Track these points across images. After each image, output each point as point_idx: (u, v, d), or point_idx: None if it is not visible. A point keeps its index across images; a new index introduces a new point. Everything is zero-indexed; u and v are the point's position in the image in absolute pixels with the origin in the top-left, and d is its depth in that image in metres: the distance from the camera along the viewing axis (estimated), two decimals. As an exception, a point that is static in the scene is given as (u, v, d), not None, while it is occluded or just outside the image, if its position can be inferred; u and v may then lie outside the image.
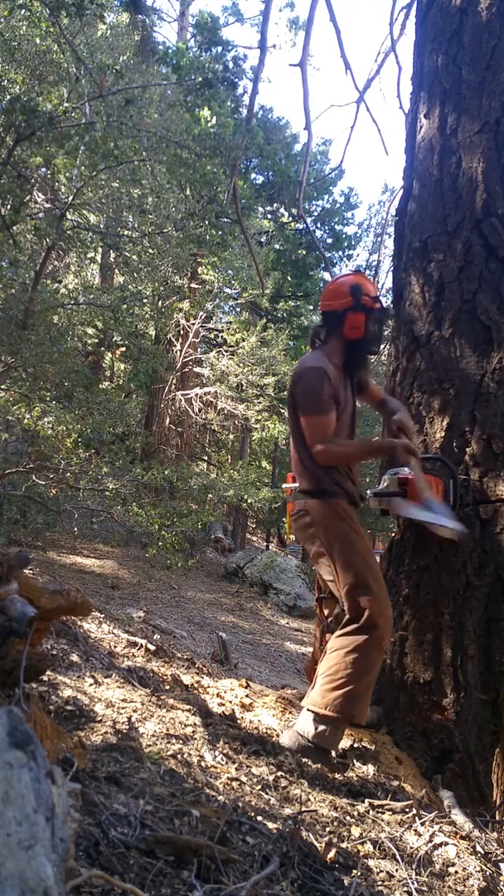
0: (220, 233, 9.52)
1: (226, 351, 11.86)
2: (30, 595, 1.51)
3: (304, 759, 2.15)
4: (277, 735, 2.43)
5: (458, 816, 1.98)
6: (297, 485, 2.48)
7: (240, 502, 10.14)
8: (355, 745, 2.49)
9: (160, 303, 10.97)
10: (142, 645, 3.21)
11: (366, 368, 2.60)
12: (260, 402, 11.83)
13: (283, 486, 2.63)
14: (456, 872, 1.61)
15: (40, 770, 0.77)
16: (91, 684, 2.19)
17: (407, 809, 1.94)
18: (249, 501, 9.88)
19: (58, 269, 10.37)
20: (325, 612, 2.59)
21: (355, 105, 4.85)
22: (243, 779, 1.81)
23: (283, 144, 14.28)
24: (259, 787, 1.81)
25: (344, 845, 1.57)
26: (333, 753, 2.27)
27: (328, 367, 2.37)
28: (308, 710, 2.25)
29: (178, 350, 12.12)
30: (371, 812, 1.95)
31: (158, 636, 4.69)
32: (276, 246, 13.96)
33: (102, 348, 13.22)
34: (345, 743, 2.52)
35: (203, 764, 1.79)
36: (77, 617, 2.94)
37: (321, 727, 2.21)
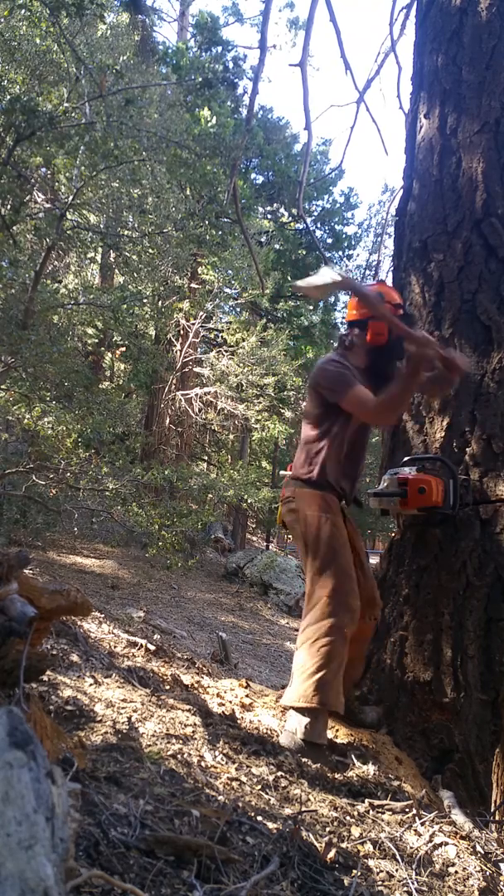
0: (220, 233, 9.52)
1: (226, 351, 11.86)
2: (30, 595, 1.51)
3: (304, 759, 2.16)
4: (277, 735, 2.43)
5: (458, 816, 1.98)
6: (290, 472, 2.54)
7: (240, 502, 10.14)
8: (355, 745, 2.49)
9: (160, 303, 10.96)
10: (142, 645, 3.21)
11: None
12: (260, 402, 11.82)
13: (281, 472, 2.69)
14: (456, 872, 1.61)
15: (40, 770, 0.77)
16: (91, 684, 2.19)
17: (407, 809, 1.94)
18: (249, 501, 9.88)
19: (58, 269, 10.37)
20: None
21: (355, 105, 4.85)
22: (243, 779, 1.81)
23: (283, 144, 14.28)
24: (259, 787, 1.81)
25: (344, 845, 1.57)
26: (325, 745, 2.29)
27: (347, 363, 2.41)
28: (288, 708, 2.31)
29: (178, 350, 12.12)
30: (371, 812, 1.95)
31: (158, 636, 4.69)
32: (276, 246, 13.95)
33: (102, 348, 13.22)
34: (345, 743, 2.52)
35: (203, 764, 1.79)
36: (77, 617, 2.94)
37: (305, 721, 2.25)
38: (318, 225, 15.58)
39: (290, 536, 2.70)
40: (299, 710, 2.25)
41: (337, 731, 2.59)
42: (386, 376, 2.40)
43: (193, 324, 11.62)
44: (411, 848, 1.69)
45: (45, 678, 2.01)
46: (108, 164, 6.39)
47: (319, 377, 2.42)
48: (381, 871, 1.50)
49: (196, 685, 2.79)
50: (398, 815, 1.91)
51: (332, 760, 2.26)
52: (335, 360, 2.41)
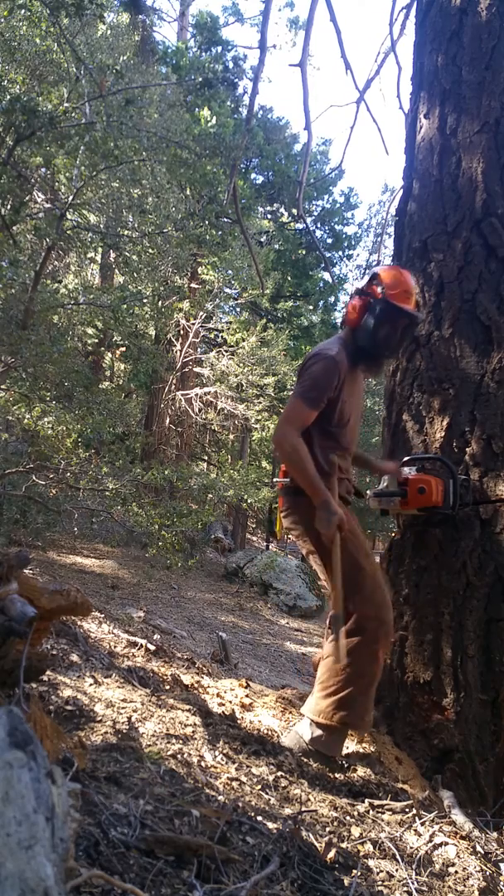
0: (220, 233, 9.52)
1: (226, 351, 11.86)
2: (30, 595, 1.51)
3: (306, 760, 2.15)
4: (277, 735, 2.43)
5: (458, 816, 1.98)
6: (285, 480, 2.38)
7: (240, 502, 10.14)
8: (356, 745, 2.49)
9: (160, 303, 10.96)
10: (142, 645, 3.21)
11: (371, 371, 2.46)
12: (260, 402, 11.82)
13: (275, 479, 2.55)
14: (456, 872, 1.61)
15: (40, 770, 0.77)
16: (91, 684, 2.19)
17: (407, 809, 1.94)
18: (249, 501, 9.87)
19: (58, 269, 10.37)
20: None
21: (355, 105, 4.85)
22: (243, 779, 1.81)
23: (283, 144, 14.27)
24: (259, 787, 1.81)
25: (344, 845, 1.57)
26: (336, 758, 2.25)
27: (341, 360, 2.27)
28: (306, 716, 2.26)
29: (178, 350, 12.11)
30: (371, 812, 1.95)
31: (158, 636, 4.69)
32: (276, 246, 13.95)
33: (102, 348, 13.22)
34: (346, 743, 2.52)
35: (203, 764, 1.79)
36: (77, 617, 2.94)
37: (318, 732, 2.21)
38: (318, 225, 15.57)
39: (290, 538, 2.63)
40: (318, 723, 2.21)
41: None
42: (366, 364, 2.37)
43: (193, 324, 11.62)
44: (411, 848, 1.69)
45: (45, 678, 2.01)
46: (108, 164, 6.39)
47: (311, 366, 2.27)
48: (381, 871, 1.50)
49: (196, 685, 2.79)
50: (398, 815, 1.91)
51: (336, 763, 2.23)
52: (333, 360, 2.25)
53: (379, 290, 2.30)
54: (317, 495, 2.16)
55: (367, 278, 2.36)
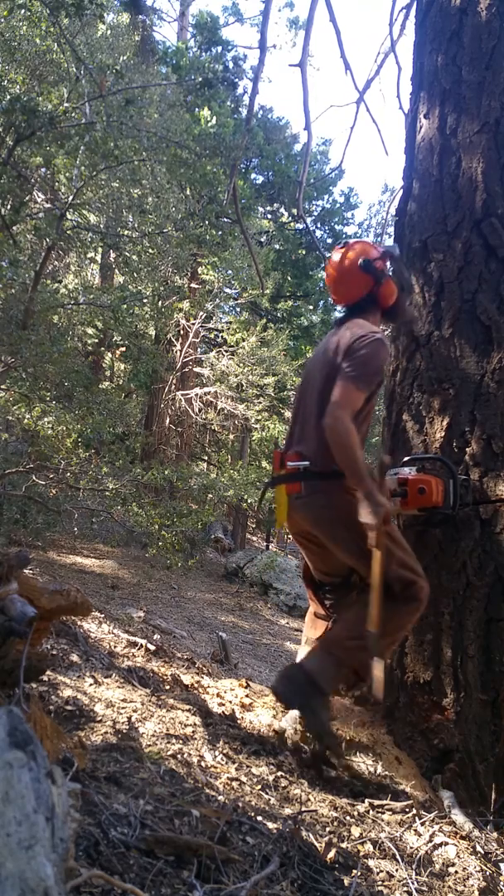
0: (220, 233, 9.52)
1: (226, 351, 11.86)
2: (30, 595, 1.51)
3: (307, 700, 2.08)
4: (278, 736, 2.43)
5: (458, 816, 1.98)
6: (304, 463, 2.25)
7: (240, 502, 10.14)
8: (356, 745, 2.49)
9: (160, 303, 10.96)
10: (142, 645, 3.21)
11: None
12: (260, 402, 11.82)
13: (289, 464, 2.29)
14: (456, 872, 1.61)
15: (40, 770, 0.77)
16: (91, 684, 2.19)
17: (407, 809, 1.95)
18: (249, 501, 9.87)
19: (58, 269, 10.37)
20: (328, 602, 2.54)
21: (355, 105, 4.85)
22: (243, 779, 1.81)
23: (283, 144, 14.27)
24: (259, 787, 1.81)
25: (344, 845, 1.57)
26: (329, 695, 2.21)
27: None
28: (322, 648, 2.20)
29: (178, 350, 12.12)
30: (371, 812, 1.95)
31: (158, 636, 4.69)
32: (276, 246, 13.96)
33: (102, 348, 13.22)
34: (345, 743, 2.52)
35: (203, 764, 1.79)
36: (77, 617, 2.94)
37: (323, 662, 2.16)
38: (318, 225, 15.58)
39: (290, 536, 2.57)
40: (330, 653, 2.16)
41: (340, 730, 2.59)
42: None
43: (193, 324, 11.62)
44: (411, 848, 1.69)
45: (45, 678, 2.01)
46: (108, 164, 6.39)
47: (364, 349, 2.14)
48: (381, 871, 1.50)
49: (196, 685, 2.79)
50: (398, 815, 1.91)
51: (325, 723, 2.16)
52: (386, 345, 2.18)
53: (385, 264, 2.32)
54: (363, 485, 2.07)
55: (374, 257, 2.32)
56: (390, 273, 2.37)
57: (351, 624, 2.17)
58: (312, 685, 2.11)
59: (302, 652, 2.58)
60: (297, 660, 2.55)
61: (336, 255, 2.41)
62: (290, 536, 2.47)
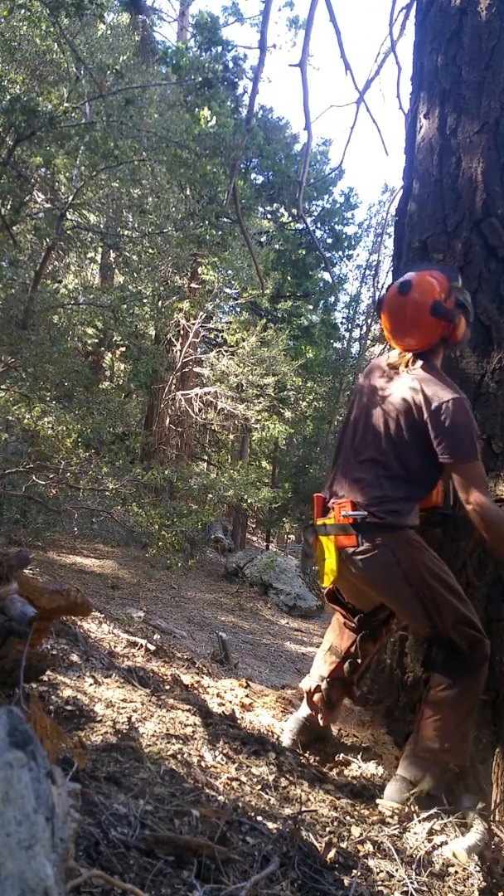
0: (220, 233, 9.53)
1: (226, 351, 11.86)
2: (30, 595, 1.51)
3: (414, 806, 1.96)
4: (277, 735, 2.43)
5: (458, 816, 1.97)
6: (362, 513, 2.05)
7: (240, 502, 10.14)
8: (356, 746, 2.49)
9: (160, 303, 10.96)
10: (142, 645, 3.21)
11: None
12: (260, 402, 11.82)
13: (343, 514, 2.07)
14: (456, 872, 1.61)
15: (40, 770, 0.77)
16: (91, 684, 2.19)
17: (407, 809, 1.94)
18: (249, 501, 9.88)
19: (58, 269, 10.37)
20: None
21: (355, 105, 4.84)
22: (243, 779, 1.81)
23: (283, 144, 14.27)
24: (259, 787, 1.81)
25: (344, 845, 1.57)
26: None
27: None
28: (418, 756, 2.03)
29: (178, 350, 12.12)
30: (371, 812, 1.95)
31: (158, 636, 4.69)
32: (276, 246, 13.95)
33: (102, 348, 13.22)
34: (347, 744, 2.52)
35: (203, 764, 1.79)
36: (77, 617, 2.94)
37: (432, 772, 2.01)
38: (318, 225, 15.58)
39: (291, 536, 2.49)
40: (441, 764, 2.03)
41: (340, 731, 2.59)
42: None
43: (193, 324, 11.62)
44: (411, 848, 1.69)
45: (45, 678, 2.01)
46: (108, 164, 6.39)
47: (453, 418, 1.96)
48: (381, 871, 1.50)
49: (196, 685, 2.79)
50: (398, 815, 1.91)
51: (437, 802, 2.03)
52: (464, 399, 2.01)
53: (454, 298, 2.15)
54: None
55: (442, 297, 2.10)
56: (459, 307, 2.16)
57: (441, 733, 2.02)
58: (430, 798, 1.98)
59: (319, 659, 2.44)
60: (316, 670, 2.42)
61: (396, 301, 2.17)
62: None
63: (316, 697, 2.37)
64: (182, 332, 11.96)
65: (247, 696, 2.82)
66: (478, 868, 1.62)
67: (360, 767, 2.34)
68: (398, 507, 2.06)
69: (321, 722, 2.39)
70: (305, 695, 2.43)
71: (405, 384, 2.12)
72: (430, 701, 2.05)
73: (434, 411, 2.00)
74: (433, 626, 2.06)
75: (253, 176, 14.39)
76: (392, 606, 2.19)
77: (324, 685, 2.36)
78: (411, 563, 2.03)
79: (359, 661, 2.35)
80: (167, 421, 12.38)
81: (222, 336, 12.83)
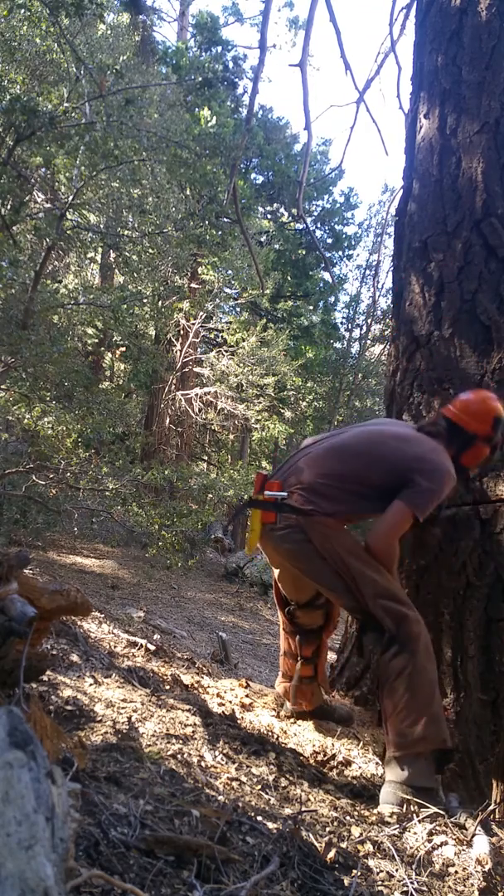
0: (220, 233, 9.52)
1: (226, 351, 11.86)
2: (30, 595, 1.51)
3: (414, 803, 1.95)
4: (277, 735, 2.43)
5: (458, 817, 1.97)
6: (282, 494, 2.23)
7: (240, 502, 10.13)
8: (356, 746, 2.49)
9: (160, 303, 10.96)
10: (142, 645, 3.21)
11: None
12: (260, 402, 11.82)
13: (266, 493, 2.26)
14: (456, 872, 1.61)
15: (40, 770, 0.77)
16: (91, 684, 2.19)
17: (407, 809, 1.94)
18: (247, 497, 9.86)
19: (58, 269, 10.37)
20: (303, 620, 2.55)
21: (355, 105, 4.84)
22: (243, 779, 1.81)
23: (283, 144, 14.27)
24: (259, 787, 1.81)
25: (344, 845, 1.57)
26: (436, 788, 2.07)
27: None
28: (394, 757, 2.04)
29: (178, 350, 12.11)
30: (371, 812, 1.95)
31: (158, 636, 4.69)
32: (276, 246, 13.95)
33: (102, 348, 13.22)
34: (346, 743, 2.52)
35: (203, 764, 1.79)
36: (77, 617, 2.94)
37: (414, 766, 2.02)
38: (318, 225, 15.57)
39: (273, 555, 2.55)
40: (412, 755, 2.02)
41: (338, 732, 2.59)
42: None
43: (193, 324, 11.62)
44: (411, 848, 1.69)
45: (45, 678, 2.01)
46: (108, 164, 6.39)
47: (432, 474, 2.13)
48: (381, 871, 1.50)
49: (196, 685, 2.79)
50: (398, 815, 1.91)
51: (439, 796, 2.04)
52: (453, 478, 2.17)
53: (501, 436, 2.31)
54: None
55: (492, 426, 2.27)
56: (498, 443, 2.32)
57: (407, 723, 2.04)
58: (426, 792, 1.99)
59: (281, 664, 2.69)
60: (282, 673, 2.67)
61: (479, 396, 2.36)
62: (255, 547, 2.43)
63: (288, 696, 2.61)
64: (182, 332, 11.96)
65: (247, 696, 2.81)
66: (478, 868, 1.62)
67: (360, 767, 2.34)
68: (329, 504, 2.19)
69: (307, 709, 2.58)
70: (283, 696, 2.67)
71: (415, 439, 2.28)
72: (385, 696, 2.12)
73: (433, 468, 2.16)
74: (356, 602, 2.16)
75: (253, 176, 14.38)
76: (314, 582, 2.31)
77: (293, 683, 2.57)
78: (324, 540, 2.17)
79: (314, 660, 2.55)
80: (167, 421, 12.38)
81: (222, 336, 12.83)
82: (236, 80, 12.68)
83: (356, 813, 1.90)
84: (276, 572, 2.55)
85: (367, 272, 18.05)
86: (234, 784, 1.74)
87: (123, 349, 12.50)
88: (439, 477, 2.15)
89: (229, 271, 11.47)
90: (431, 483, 2.14)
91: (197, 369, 12.42)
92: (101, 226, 8.32)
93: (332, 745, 2.45)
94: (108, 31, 8.24)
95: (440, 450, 2.23)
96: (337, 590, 2.22)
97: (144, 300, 9.57)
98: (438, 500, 2.17)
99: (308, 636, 2.55)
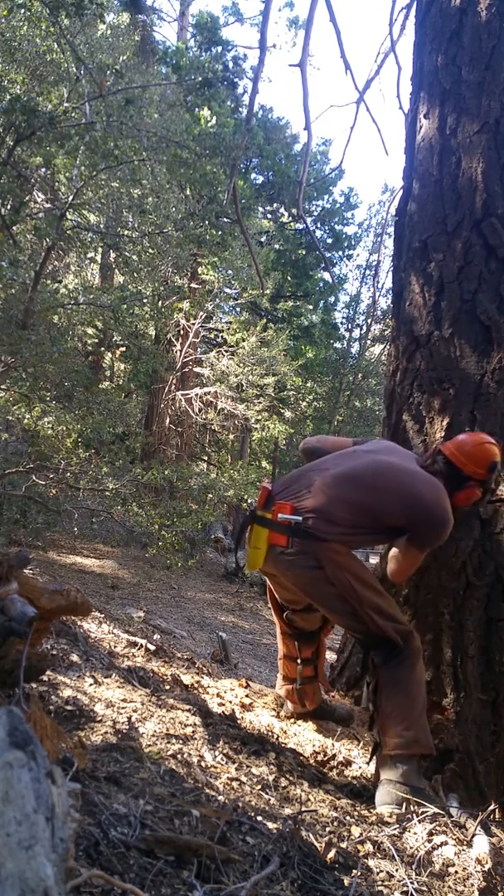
0: (220, 233, 9.52)
1: (226, 351, 11.85)
2: (30, 595, 1.51)
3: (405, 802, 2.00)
4: (277, 735, 2.43)
5: (458, 816, 1.97)
6: (298, 518, 2.19)
7: (240, 502, 10.13)
8: (356, 746, 2.50)
9: (160, 303, 10.96)
10: (142, 645, 3.21)
11: None
12: (260, 402, 11.81)
13: (280, 516, 2.20)
14: (456, 872, 1.61)
15: (40, 770, 0.77)
16: (91, 684, 2.19)
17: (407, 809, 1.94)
18: (249, 501, 9.87)
19: (58, 269, 10.37)
20: (302, 624, 2.58)
21: (355, 105, 4.84)
22: (243, 779, 1.81)
23: (283, 144, 14.26)
24: (259, 787, 1.81)
25: (344, 845, 1.57)
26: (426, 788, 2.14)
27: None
28: (391, 756, 2.10)
29: (178, 350, 12.11)
30: (371, 812, 1.95)
31: (158, 636, 4.69)
32: (276, 246, 13.94)
33: (102, 348, 13.21)
34: (346, 743, 2.52)
35: (203, 764, 1.79)
36: (77, 617, 2.94)
37: (409, 766, 2.09)
38: (318, 225, 15.56)
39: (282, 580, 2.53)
40: (407, 756, 2.10)
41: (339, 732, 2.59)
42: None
43: (193, 324, 11.62)
44: (411, 848, 1.69)
45: (45, 678, 2.01)
46: (108, 164, 6.39)
47: (436, 515, 2.17)
48: (381, 871, 1.50)
49: (196, 685, 2.79)
50: (398, 815, 1.91)
51: (436, 800, 2.09)
52: (451, 518, 2.21)
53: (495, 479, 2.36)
54: None
55: (487, 470, 2.29)
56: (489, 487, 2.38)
57: (405, 726, 2.13)
58: (417, 791, 2.04)
59: (281, 667, 2.70)
60: (282, 676, 2.68)
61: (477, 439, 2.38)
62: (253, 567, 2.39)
63: (291, 697, 2.63)
64: (182, 332, 11.96)
65: (247, 696, 2.81)
66: (478, 868, 1.62)
67: (360, 767, 2.34)
68: (333, 529, 2.18)
69: (309, 708, 2.60)
70: (285, 698, 2.68)
71: (419, 473, 2.28)
72: (385, 700, 2.18)
73: (436, 507, 2.19)
74: (364, 625, 2.20)
75: (253, 176, 14.38)
76: (318, 606, 2.33)
77: (296, 686, 2.59)
78: (336, 568, 2.17)
79: (314, 661, 2.58)
80: (167, 421, 12.37)
81: (222, 336, 12.83)
82: (236, 80, 12.67)
83: (356, 813, 1.90)
84: (271, 583, 2.55)
85: (367, 272, 18.05)
86: (234, 784, 1.74)
87: (123, 349, 12.49)
88: (441, 526, 2.19)
89: (229, 271, 11.47)
90: (436, 530, 2.20)
91: (197, 369, 12.42)
92: (101, 226, 8.31)
93: (332, 745, 2.45)
94: (108, 31, 8.23)
95: (443, 494, 2.23)
96: (342, 613, 2.24)
97: (144, 300, 9.57)
98: (441, 541, 2.24)
99: (307, 638, 2.58)
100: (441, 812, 1.91)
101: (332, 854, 1.41)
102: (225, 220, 9.53)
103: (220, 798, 1.55)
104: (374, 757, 2.24)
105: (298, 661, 2.58)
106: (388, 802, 2.00)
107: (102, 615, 3.87)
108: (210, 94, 10.02)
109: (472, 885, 1.57)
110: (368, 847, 1.61)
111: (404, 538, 2.24)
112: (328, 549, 2.17)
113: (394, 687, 2.16)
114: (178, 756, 1.75)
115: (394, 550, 2.32)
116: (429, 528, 2.19)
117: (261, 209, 13.91)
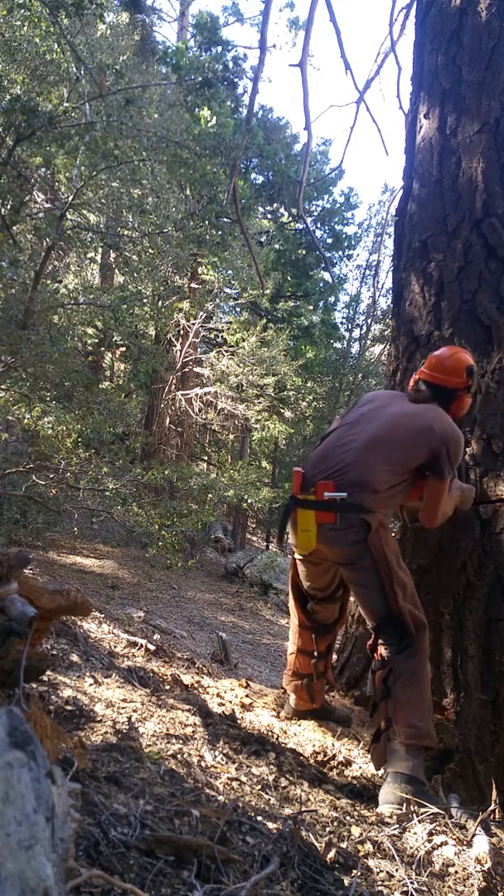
0: (220, 233, 9.51)
1: (226, 351, 11.85)
2: (30, 595, 1.51)
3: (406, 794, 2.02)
4: (277, 735, 2.43)
5: (458, 817, 1.97)
6: (343, 494, 2.24)
7: (240, 502, 10.13)
8: (356, 746, 2.50)
9: (160, 303, 10.96)
10: (142, 645, 3.21)
11: None
12: (260, 402, 11.81)
13: (326, 494, 2.25)
14: (456, 872, 1.61)
15: (40, 770, 0.77)
16: (91, 684, 2.19)
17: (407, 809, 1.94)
18: (249, 501, 9.87)
19: (58, 269, 10.36)
20: (323, 615, 2.58)
21: (355, 105, 4.85)
22: (243, 779, 1.81)
23: (283, 144, 14.26)
24: (259, 787, 1.81)
25: (344, 845, 1.57)
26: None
27: None
28: (406, 746, 2.12)
29: (178, 350, 12.11)
30: (371, 812, 1.95)
31: (158, 636, 4.69)
32: (276, 246, 13.94)
33: (102, 348, 13.21)
34: (346, 743, 2.52)
35: (203, 764, 1.79)
36: (77, 617, 2.94)
37: (417, 758, 2.12)
38: (318, 225, 15.57)
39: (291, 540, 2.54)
40: (418, 747, 2.13)
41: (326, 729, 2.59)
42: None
43: (193, 324, 11.61)
44: (411, 848, 1.69)
45: (45, 678, 2.01)
46: (108, 164, 6.39)
47: (450, 444, 2.27)
48: (381, 871, 1.50)
49: (196, 685, 2.79)
50: (398, 815, 1.91)
51: (436, 798, 2.12)
52: (459, 433, 2.32)
53: (477, 382, 2.44)
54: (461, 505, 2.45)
55: (467, 376, 2.40)
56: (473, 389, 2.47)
57: (418, 716, 2.17)
58: (415, 783, 2.07)
59: (291, 662, 2.67)
60: (291, 671, 2.66)
61: (446, 352, 2.48)
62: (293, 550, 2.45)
63: (301, 693, 2.62)
64: (182, 332, 11.96)
65: (247, 696, 2.82)
66: (478, 868, 1.62)
67: (360, 767, 2.34)
68: (381, 502, 2.28)
69: (316, 705, 2.62)
70: (292, 693, 2.68)
71: (425, 413, 2.38)
72: (401, 689, 2.19)
73: (449, 439, 2.30)
74: (384, 601, 2.24)
75: (253, 176, 14.38)
76: (353, 581, 2.36)
77: (304, 682, 2.60)
78: (378, 542, 2.24)
79: (326, 655, 2.60)
80: (167, 421, 12.37)
81: (222, 336, 12.82)
82: (236, 80, 12.66)
83: (356, 813, 1.90)
84: (303, 569, 2.50)
85: (367, 272, 18.04)
86: (234, 784, 1.74)
87: (123, 349, 12.49)
88: (456, 443, 2.30)
89: (229, 271, 11.47)
90: (452, 449, 2.29)
91: (197, 369, 12.42)
92: (101, 226, 8.31)
93: (332, 745, 2.45)
94: (108, 31, 8.23)
95: (444, 414, 2.36)
96: (371, 588, 2.28)
97: (144, 300, 9.57)
98: (459, 459, 2.34)
99: (324, 631, 2.59)
100: (441, 812, 1.91)
101: (332, 854, 1.41)
102: (225, 220, 9.52)
103: (220, 798, 1.55)
104: (376, 743, 2.25)
105: (315, 653, 2.58)
106: (391, 802, 2.01)
107: (102, 615, 3.87)
108: (210, 94, 10.01)
109: (472, 885, 1.57)
110: (368, 847, 1.61)
111: (428, 479, 2.32)
112: (373, 519, 2.24)
113: (410, 677, 2.19)
114: (178, 756, 1.75)
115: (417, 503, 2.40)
116: (448, 448, 2.28)
117: (261, 209, 13.91)
